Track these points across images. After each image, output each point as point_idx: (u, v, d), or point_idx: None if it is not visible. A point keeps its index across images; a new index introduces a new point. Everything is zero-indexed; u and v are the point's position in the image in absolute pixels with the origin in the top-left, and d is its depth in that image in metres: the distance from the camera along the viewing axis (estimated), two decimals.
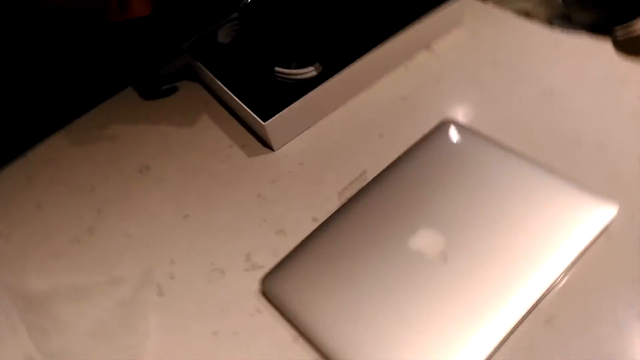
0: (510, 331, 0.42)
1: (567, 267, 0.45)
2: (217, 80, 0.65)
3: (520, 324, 0.43)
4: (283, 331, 0.48)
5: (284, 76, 0.63)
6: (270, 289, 0.50)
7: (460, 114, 0.62)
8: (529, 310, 0.43)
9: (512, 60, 0.67)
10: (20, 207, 0.63)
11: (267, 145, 0.64)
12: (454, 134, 0.57)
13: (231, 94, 0.63)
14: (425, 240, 0.48)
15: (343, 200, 0.56)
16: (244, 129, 0.66)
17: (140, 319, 0.51)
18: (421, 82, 0.66)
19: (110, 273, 0.55)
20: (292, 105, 0.60)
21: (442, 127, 0.58)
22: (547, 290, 0.44)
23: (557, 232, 0.46)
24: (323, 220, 0.54)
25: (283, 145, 0.64)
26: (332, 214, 0.54)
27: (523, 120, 0.60)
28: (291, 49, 0.65)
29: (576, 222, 0.47)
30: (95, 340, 0.50)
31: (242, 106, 0.62)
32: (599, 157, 0.55)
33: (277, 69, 0.63)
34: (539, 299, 0.43)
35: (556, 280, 0.44)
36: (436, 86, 0.66)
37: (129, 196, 0.62)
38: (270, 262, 0.52)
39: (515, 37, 0.70)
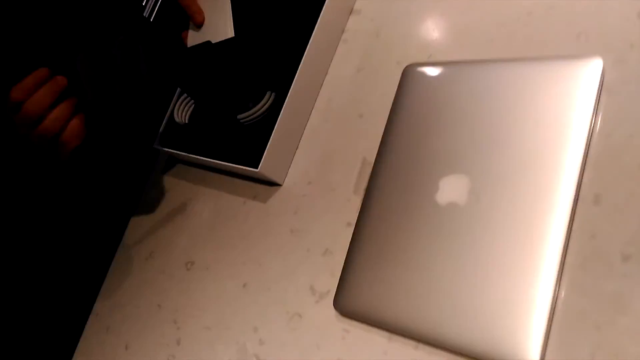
0: (568, 227, 0.41)
1: (587, 137, 0.43)
2: (200, 157, 0.68)
3: (573, 217, 0.42)
4: (376, 337, 0.50)
5: (249, 119, 0.64)
6: (345, 308, 0.52)
7: (416, 54, 0.61)
8: (574, 199, 0.42)
9: None
10: (107, 353, 0.68)
11: (273, 183, 0.65)
12: (422, 75, 0.57)
13: (217, 161, 0.65)
14: (452, 190, 0.49)
15: (361, 193, 0.57)
16: (247, 182, 0.68)
17: None
18: (365, 45, 0.66)
19: None
20: (270, 139, 0.61)
21: (407, 74, 0.58)
22: (580, 170, 0.43)
23: (563, 110, 0.45)
24: (355, 222, 0.55)
25: (286, 176, 0.65)
26: (360, 211, 0.55)
27: (473, 30, 0.58)
28: (240, 94, 0.66)
29: (574, 91, 0.45)
30: None
31: (232, 166, 0.64)
32: (554, 21, 0.52)
33: (240, 116, 0.64)
34: (577, 183, 0.42)
35: (584, 155, 0.43)
36: (379, 40, 0.65)
37: (191, 296, 0.65)
38: (332, 284, 0.54)
39: None
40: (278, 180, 0.64)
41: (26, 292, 0.72)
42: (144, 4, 0.71)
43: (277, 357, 0.55)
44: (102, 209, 0.79)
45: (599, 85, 0.45)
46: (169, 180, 0.77)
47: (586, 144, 0.43)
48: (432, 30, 0.61)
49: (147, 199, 0.78)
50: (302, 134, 0.66)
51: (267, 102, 0.65)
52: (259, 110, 0.64)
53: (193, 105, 0.73)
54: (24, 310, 0.72)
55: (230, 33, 0.65)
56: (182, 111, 0.73)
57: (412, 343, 0.47)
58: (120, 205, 0.79)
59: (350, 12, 0.69)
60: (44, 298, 0.74)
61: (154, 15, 0.71)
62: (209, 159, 0.66)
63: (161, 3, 0.72)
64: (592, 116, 0.44)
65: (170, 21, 0.71)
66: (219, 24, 0.66)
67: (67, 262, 0.76)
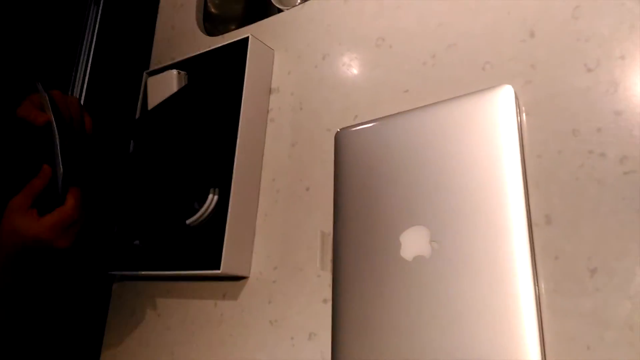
0: (531, 254, 0.42)
1: (521, 163, 0.44)
2: (160, 272, 0.65)
3: (533, 243, 0.43)
4: None
5: (199, 221, 0.63)
6: None
7: (342, 118, 0.62)
8: (528, 225, 0.43)
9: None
10: None
11: (240, 277, 0.64)
12: (354, 137, 0.57)
13: (178, 272, 0.63)
14: (413, 243, 0.49)
15: (329, 267, 0.56)
16: (213, 282, 0.66)
17: None
18: (292, 120, 0.67)
19: None
20: (225, 236, 0.60)
21: (340, 140, 0.59)
22: (525, 196, 0.44)
23: (491, 142, 0.46)
24: (331, 297, 0.54)
25: (251, 267, 0.64)
26: (332, 286, 0.54)
27: (386, 83, 0.60)
28: (183, 196, 0.65)
29: (495, 122, 0.47)
30: None
31: (195, 273, 0.62)
32: (457, 58, 0.55)
33: (188, 221, 0.63)
34: (526, 208, 0.43)
35: (524, 180, 0.44)
36: (304, 113, 0.66)
37: None
38: None
39: None
40: (244, 274, 0.63)
41: None
42: None
43: None
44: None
45: (516, 110, 0.46)
46: (131, 302, 0.74)
47: (522, 169, 0.44)
48: (350, 92, 0.63)
49: (113, 327, 0.74)
50: (255, 221, 0.65)
51: (212, 199, 0.64)
52: (206, 209, 0.63)
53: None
54: None
55: None
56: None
57: None
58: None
59: (269, 91, 0.70)
60: None
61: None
62: (170, 272, 0.64)
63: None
64: (519, 141, 0.46)
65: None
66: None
67: None
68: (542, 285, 0.42)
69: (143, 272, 0.67)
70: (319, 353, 0.54)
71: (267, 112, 0.69)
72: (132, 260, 0.70)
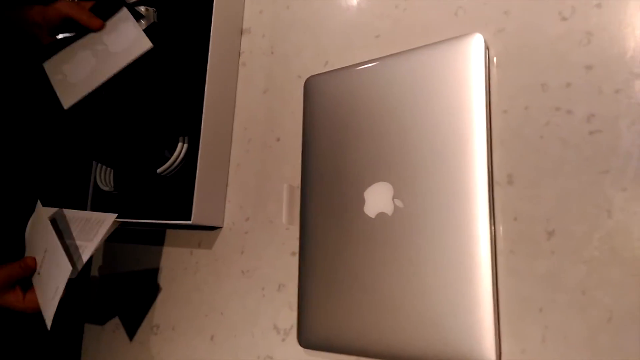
0: (490, 214, 0.41)
1: (487, 118, 0.42)
2: (135, 220, 0.65)
3: (493, 202, 0.42)
4: None
5: (170, 170, 0.62)
6: (309, 343, 0.51)
7: (313, 64, 0.59)
8: (489, 184, 0.41)
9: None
10: None
11: (213, 227, 0.64)
12: (323, 85, 0.55)
13: (151, 220, 0.63)
14: (377, 200, 0.48)
15: (296, 220, 0.56)
16: (189, 231, 0.67)
17: None
18: (264, 65, 0.64)
19: None
20: (196, 187, 0.59)
21: (309, 87, 0.56)
22: (488, 153, 0.42)
23: (458, 95, 0.44)
24: (298, 250, 0.54)
25: (224, 217, 0.63)
26: (300, 240, 0.54)
27: (358, 29, 0.56)
28: (153, 143, 0.64)
29: (464, 73, 0.44)
30: None
31: (167, 222, 0.62)
32: (428, 6, 0.51)
33: (159, 170, 0.62)
34: (489, 166, 0.42)
35: (487, 137, 0.42)
36: (275, 57, 0.63)
37: (163, 359, 0.65)
38: (294, 318, 0.53)
39: None
40: (217, 224, 0.63)
41: None
42: None
43: None
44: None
45: (485, 61, 0.44)
46: (110, 247, 0.75)
47: (487, 125, 0.42)
48: (322, 36, 0.59)
49: (98, 273, 0.76)
50: (228, 171, 0.64)
51: (182, 147, 0.62)
52: (176, 158, 0.62)
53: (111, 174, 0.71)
54: None
55: (147, 43, 0.62)
56: (104, 176, 0.71)
57: None
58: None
59: (241, 32, 0.66)
60: None
61: None
62: (144, 220, 0.64)
63: None
64: (486, 95, 0.43)
65: None
66: (131, 39, 0.63)
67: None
68: (500, 246, 0.41)
69: (119, 220, 0.67)
70: (287, 305, 0.55)
71: (239, 55, 0.66)
72: (108, 207, 0.70)
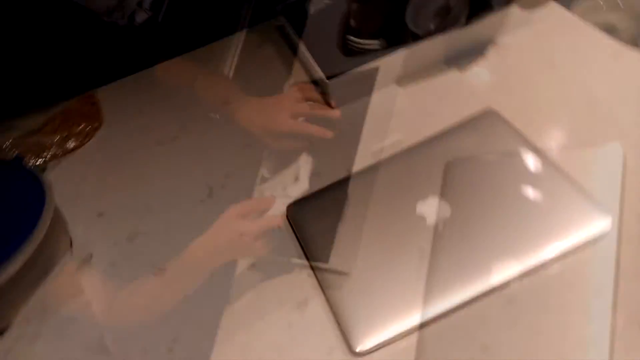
0: (470, 300, 0.48)
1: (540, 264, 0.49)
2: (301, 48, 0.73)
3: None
4: (292, 249, 0.58)
5: (354, 45, 0.70)
6: (292, 215, 0.60)
7: (503, 107, 0.64)
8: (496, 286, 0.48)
9: (568, 65, 0.69)
10: None
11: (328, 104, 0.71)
12: (494, 124, 0.62)
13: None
14: (429, 207, 0.55)
15: (374, 159, 0.63)
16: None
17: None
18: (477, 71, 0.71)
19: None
20: (356, 70, 0.67)
21: (485, 115, 0.63)
22: (519, 275, 0.49)
23: (547, 228, 0.51)
24: (354, 173, 0.62)
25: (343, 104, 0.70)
26: (364, 170, 0.62)
27: (561, 125, 0.62)
28: (361, 23, 0.71)
29: (569, 225, 0.50)
30: None
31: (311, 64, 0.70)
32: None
33: (349, 37, 0.71)
34: (505, 281, 0.49)
35: (529, 271, 0.49)
36: (488, 76, 0.70)
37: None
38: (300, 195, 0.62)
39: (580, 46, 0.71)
40: (333, 104, 0.71)
41: None
42: None
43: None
44: None
45: (591, 239, 0.50)
46: None
47: (538, 265, 0.49)
48: (534, 100, 0.65)
49: None
50: (381, 88, 0.72)
51: (373, 44, 0.70)
52: (363, 44, 0.70)
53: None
54: None
55: None
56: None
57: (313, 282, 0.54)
58: None
59: (494, 42, 0.73)
60: None
61: None
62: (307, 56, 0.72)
63: None
64: (562, 254, 0.49)
65: None
66: None
67: None
68: None
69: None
70: (315, 186, 0.63)
71: None
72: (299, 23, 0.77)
